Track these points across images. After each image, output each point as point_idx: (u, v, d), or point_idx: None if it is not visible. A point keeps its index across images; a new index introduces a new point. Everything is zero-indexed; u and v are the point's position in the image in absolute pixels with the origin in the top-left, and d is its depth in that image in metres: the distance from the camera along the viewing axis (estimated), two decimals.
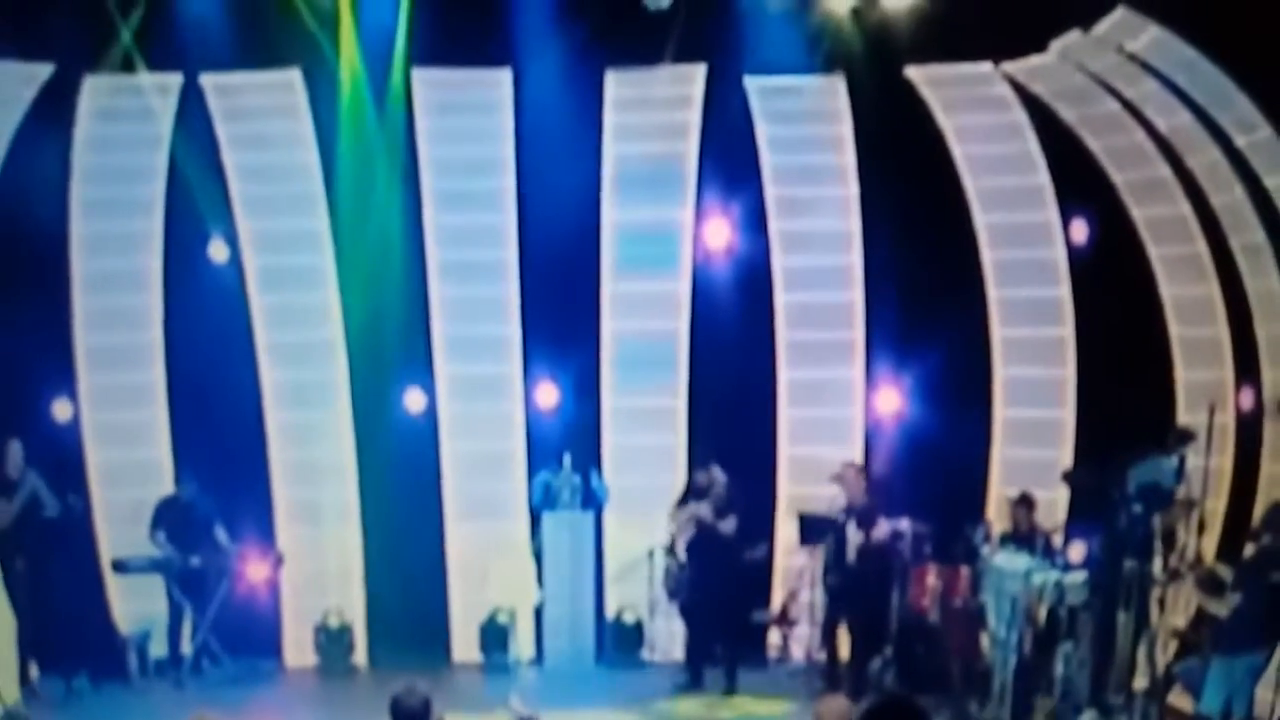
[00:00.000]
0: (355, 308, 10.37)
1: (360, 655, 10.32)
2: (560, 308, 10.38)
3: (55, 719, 8.56)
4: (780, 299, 10.44)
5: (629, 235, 10.47)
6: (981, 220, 10.21)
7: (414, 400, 10.54)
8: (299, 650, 10.31)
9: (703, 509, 9.39)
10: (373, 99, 10.18)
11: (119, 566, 10.00)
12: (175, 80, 10.09)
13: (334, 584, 10.34)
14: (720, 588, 9.40)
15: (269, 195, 10.35)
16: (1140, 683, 8.17)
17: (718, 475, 9.44)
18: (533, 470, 10.34)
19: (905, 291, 10.16)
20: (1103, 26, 9.04)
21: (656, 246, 10.45)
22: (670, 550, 9.66)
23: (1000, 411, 10.17)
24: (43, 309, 10.09)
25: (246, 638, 10.02)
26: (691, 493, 9.61)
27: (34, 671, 9.37)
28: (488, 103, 10.26)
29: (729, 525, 9.37)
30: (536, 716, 5.95)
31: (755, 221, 10.47)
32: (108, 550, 10.11)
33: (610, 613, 10.29)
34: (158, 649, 9.97)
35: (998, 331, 10.21)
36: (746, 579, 9.80)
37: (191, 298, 10.32)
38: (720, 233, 10.50)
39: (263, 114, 10.23)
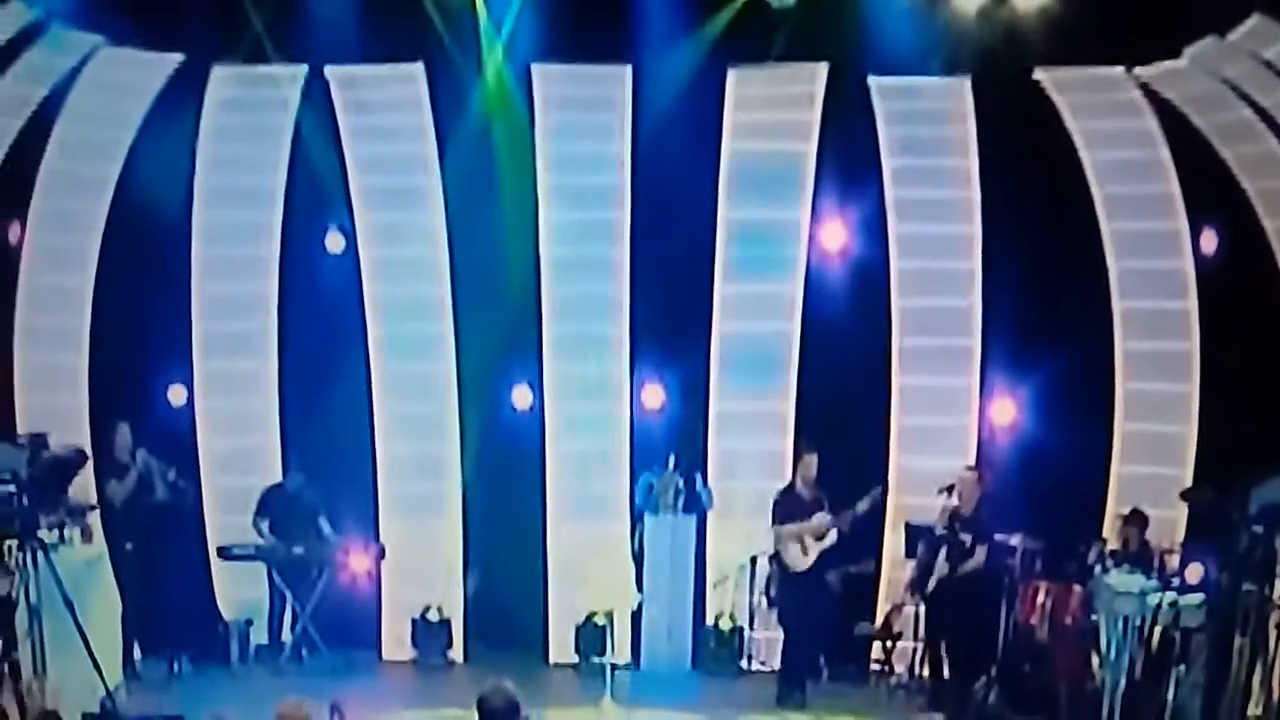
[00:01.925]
0: (467, 302, 11.28)
1: (457, 651, 11.20)
2: (671, 307, 11.18)
3: (156, 700, 9.22)
4: (896, 303, 11.11)
5: (744, 235, 11.23)
6: (1108, 228, 10.80)
7: (521, 397, 11.47)
8: (396, 643, 11.22)
9: (829, 529, 9.91)
10: (493, 94, 11.08)
11: (223, 553, 11.00)
12: (301, 72, 11.12)
13: (434, 579, 11.19)
14: (823, 598, 10.06)
15: (387, 187, 11.34)
16: (1254, 710, 8.53)
17: (812, 465, 10.01)
18: (637, 472, 11.12)
19: (1026, 299, 10.75)
20: (1238, 33, 9.64)
21: (771, 248, 11.20)
22: (773, 558, 10.28)
23: (1120, 426, 10.72)
24: (163, 295, 11.24)
25: (345, 629, 10.96)
26: (792, 500, 10.10)
27: (137, 653, 10.19)
28: (607, 99, 11.08)
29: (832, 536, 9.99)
30: None
31: (873, 224, 11.18)
32: (214, 536, 11.13)
33: (709, 619, 11.02)
34: (259, 636, 10.93)
35: (1120, 343, 10.78)
36: (850, 590, 10.47)
37: (307, 288, 11.37)
38: (837, 235, 11.24)
39: (385, 107, 11.23)
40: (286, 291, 11.41)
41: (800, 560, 10.04)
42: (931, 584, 9.91)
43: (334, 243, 11.52)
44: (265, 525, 10.90)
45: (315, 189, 11.41)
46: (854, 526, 10.08)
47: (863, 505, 10.05)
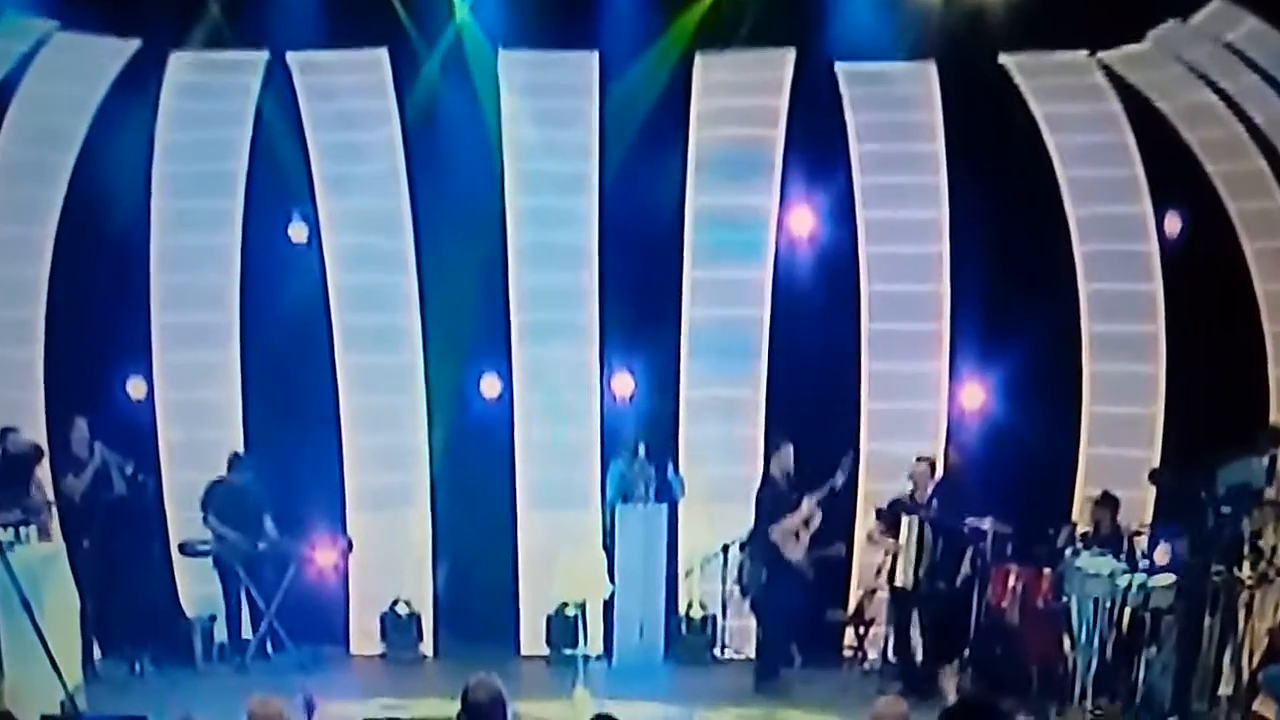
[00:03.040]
0: (433, 291, 11.48)
1: (427, 644, 11.40)
2: (640, 295, 11.45)
3: (117, 701, 9.22)
4: (865, 289, 11.42)
5: (712, 222, 11.49)
6: (1073, 212, 11.15)
7: (490, 386, 11.68)
8: (365, 638, 11.42)
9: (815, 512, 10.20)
10: (458, 80, 11.29)
11: (185, 549, 11.10)
12: (261, 57, 11.25)
13: (403, 571, 11.39)
14: (796, 584, 10.29)
15: (351, 175, 11.52)
16: (1225, 689, 8.91)
17: (788, 456, 10.29)
18: (607, 461, 11.36)
19: (993, 283, 11.10)
20: (1200, 16, 9.99)
21: (740, 234, 11.47)
22: (745, 545, 10.54)
23: (1088, 408, 11.09)
24: (121, 285, 11.35)
25: (312, 624, 11.12)
26: (776, 495, 10.35)
27: (97, 652, 10.27)
28: (574, 85, 11.30)
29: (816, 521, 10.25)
30: None
31: (841, 210, 11.48)
32: (175, 532, 11.23)
33: (682, 608, 11.29)
34: (222, 633, 11.03)
35: (1087, 326, 11.14)
36: (822, 576, 10.71)
37: (270, 278, 11.51)
38: (805, 220, 11.53)
39: (348, 93, 11.39)
40: (248, 281, 11.53)
41: (796, 550, 10.30)
42: (901, 571, 10.21)
43: (297, 232, 11.65)
44: (214, 520, 10.96)
45: (277, 177, 11.55)
46: (826, 508, 10.36)
47: (839, 478, 10.32)
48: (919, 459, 10.36)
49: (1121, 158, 11.07)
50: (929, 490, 10.21)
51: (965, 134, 11.17)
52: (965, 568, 10.12)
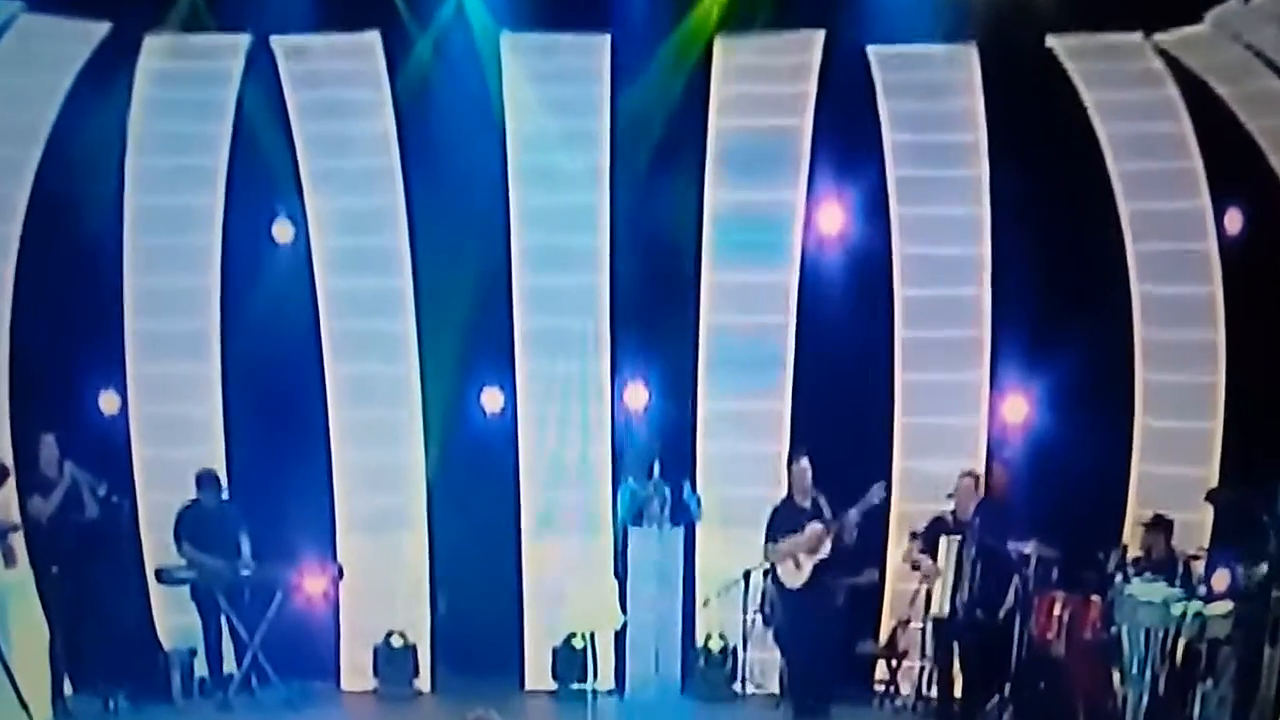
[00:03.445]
0: (430, 296, 11.77)
1: (424, 679, 11.71)
2: (654, 300, 11.74)
3: None
4: (898, 292, 11.67)
5: (733, 220, 11.76)
6: (1126, 208, 11.40)
7: (491, 400, 12.00)
8: (357, 673, 11.75)
9: (822, 540, 10.44)
10: (458, 66, 11.54)
11: (163, 576, 11.37)
12: (243, 41, 11.51)
13: (398, 601, 11.71)
14: (822, 614, 10.58)
15: (341, 170, 11.81)
16: None
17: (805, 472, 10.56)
18: (619, 480, 11.68)
19: (1038, 286, 11.33)
20: None
21: (763, 233, 11.73)
22: (769, 572, 10.82)
23: (1141, 422, 11.34)
24: (92, 290, 11.61)
25: (300, 657, 11.43)
26: (788, 513, 10.65)
27: (68, 687, 10.57)
28: (583, 71, 11.57)
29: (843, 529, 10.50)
30: None
31: (874, 206, 11.73)
32: (152, 558, 11.52)
33: (699, 639, 11.57)
34: (203, 667, 11.33)
35: (1140, 332, 11.40)
36: (852, 605, 11.07)
37: (253, 281, 11.83)
38: (834, 218, 11.79)
39: (338, 80, 11.66)
40: (230, 285, 11.82)
41: (794, 577, 10.60)
42: (938, 599, 10.47)
43: (282, 231, 11.94)
44: (188, 548, 11.20)
45: (260, 171, 11.82)
46: (855, 532, 10.62)
47: (857, 510, 10.58)
48: (964, 474, 10.60)
49: (1178, 149, 11.31)
50: (971, 509, 10.45)
51: (1009, 123, 11.40)
52: (1008, 596, 10.38)
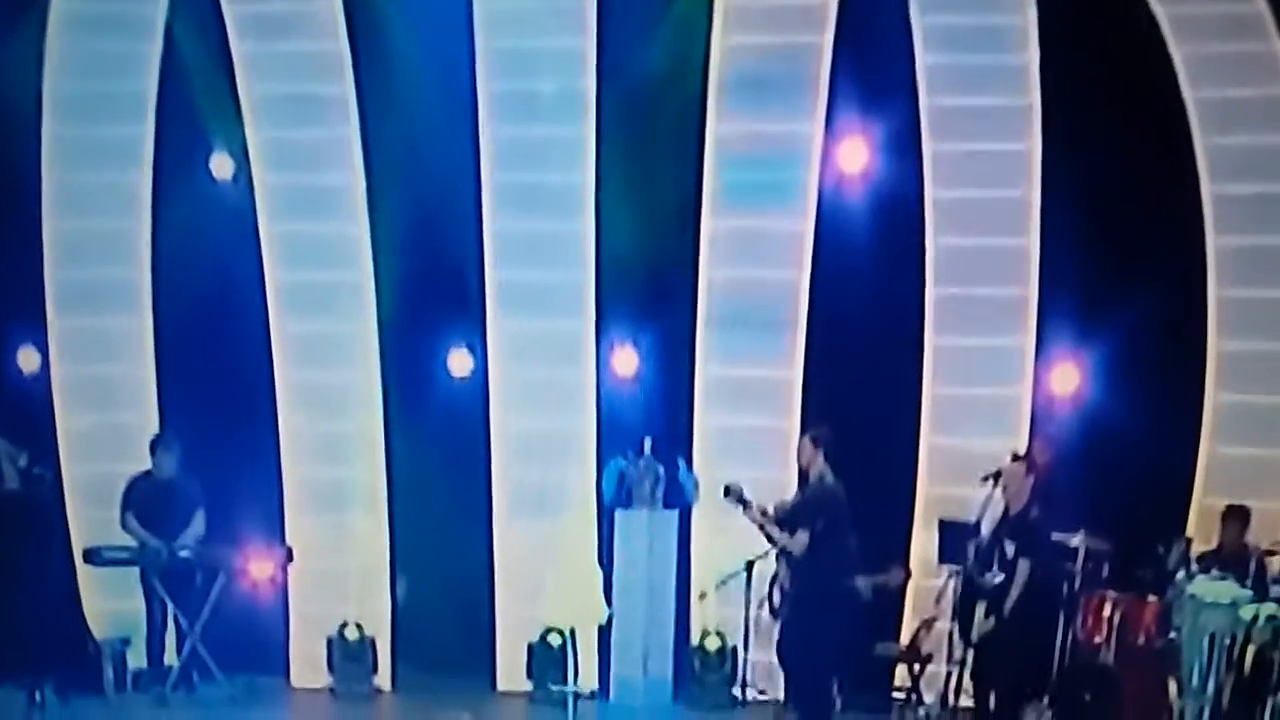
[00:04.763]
0: (390, 242, 11.67)
1: (383, 676, 11.72)
2: (647, 249, 11.56)
3: None
4: (931, 242, 11.45)
5: (738, 156, 11.56)
6: (1202, 143, 11.09)
7: (459, 363, 11.89)
8: (309, 667, 11.76)
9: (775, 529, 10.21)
10: None
11: (92, 556, 11.45)
12: None
13: (353, 588, 11.67)
14: (829, 612, 10.24)
15: (286, 96, 11.71)
16: None
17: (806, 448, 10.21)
18: (605, 456, 11.57)
19: (1095, 237, 11.07)
20: None
21: (773, 171, 11.54)
22: (780, 557, 10.50)
23: (1212, 397, 11.08)
24: (6, 234, 11.61)
25: (245, 649, 11.48)
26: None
27: None
28: None
29: (799, 541, 10.10)
30: None
31: (903, 141, 11.47)
32: (80, 536, 11.62)
33: (695, 638, 11.49)
34: (137, 658, 11.44)
35: (1215, 292, 11.11)
36: (868, 602, 10.79)
37: (188, 224, 11.75)
38: (857, 154, 11.55)
39: None
40: (162, 228, 11.79)
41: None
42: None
43: (220, 166, 11.90)
44: (134, 523, 11.32)
45: (195, 98, 11.77)
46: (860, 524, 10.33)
47: (867, 581, 10.45)
48: (1015, 457, 10.28)
49: (1267, 73, 10.99)
50: (1025, 498, 10.08)
51: (1064, 42, 11.14)
52: (1051, 594, 10.20)
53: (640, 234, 11.60)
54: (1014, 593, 9.79)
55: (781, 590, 10.64)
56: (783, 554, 10.46)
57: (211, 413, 11.67)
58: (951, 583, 10.42)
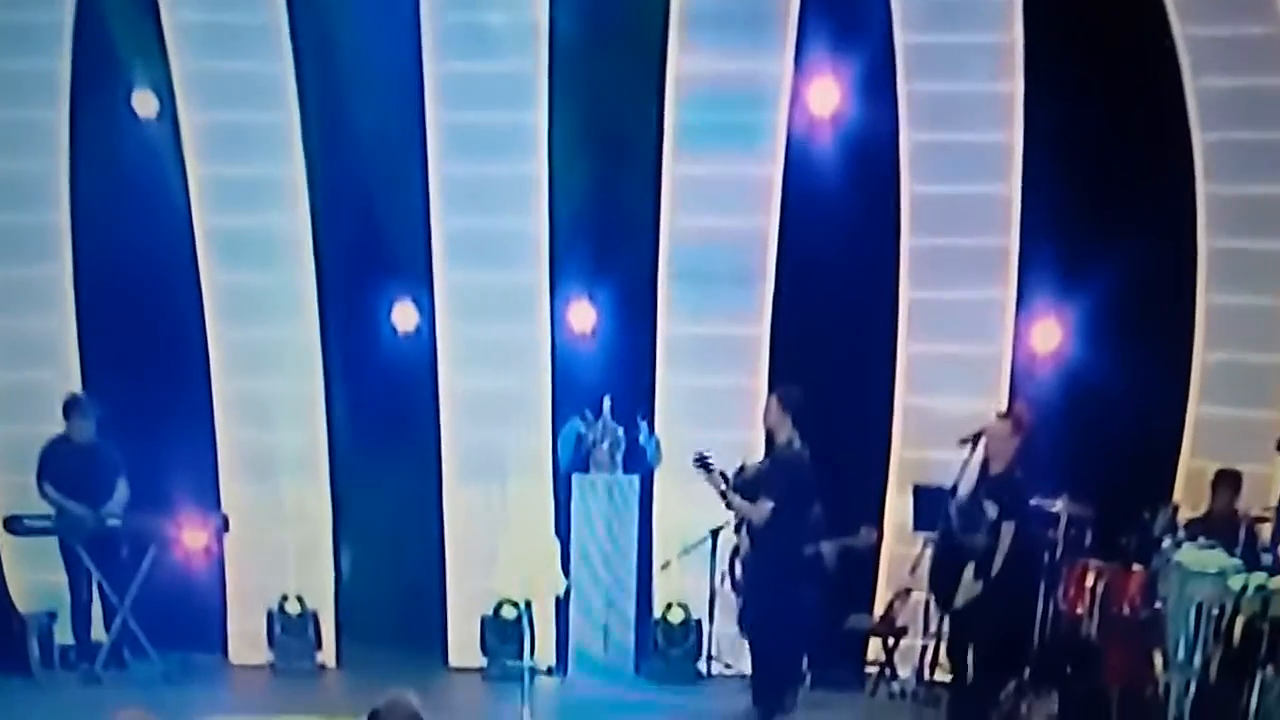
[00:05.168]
0: (328, 186, 11.67)
1: (327, 652, 11.87)
2: (604, 195, 11.62)
3: None
4: (907, 189, 11.57)
5: (701, 95, 11.59)
6: (1192, 85, 11.20)
7: (404, 316, 11.93)
8: (247, 643, 11.88)
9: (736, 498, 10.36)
10: None
11: (13, 525, 11.46)
12: None
13: (294, 559, 11.79)
14: (794, 583, 10.46)
15: (213, 25, 11.64)
16: None
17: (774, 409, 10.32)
18: (560, 418, 11.67)
19: (1080, 184, 11.17)
20: None
21: (739, 112, 11.59)
22: (739, 526, 10.70)
23: (1201, 355, 11.27)
24: None
25: (179, 624, 11.56)
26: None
27: None
28: None
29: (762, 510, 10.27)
30: None
31: (877, 80, 11.53)
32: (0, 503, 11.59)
33: (658, 610, 11.67)
34: (64, 634, 11.48)
35: (1205, 242, 11.27)
36: (836, 571, 11.10)
37: (109, 165, 11.71)
38: (828, 95, 11.61)
39: None
40: (80, 171, 11.76)
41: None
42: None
43: (143, 103, 11.83)
44: (51, 490, 11.34)
45: (114, 28, 11.67)
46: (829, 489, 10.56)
47: (833, 545, 10.74)
48: (1000, 415, 10.35)
49: (1261, 12, 11.09)
50: (1008, 460, 10.09)
51: None
52: (1030, 562, 10.34)
53: (597, 179, 11.66)
54: (998, 557, 9.86)
55: (743, 564, 10.81)
56: (742, 524, 10.63)
57: (138, 370, 11.69)
58: (928, 550, 10.56)
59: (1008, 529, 9.89)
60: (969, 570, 9.88)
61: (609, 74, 11.61)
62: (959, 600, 9.95)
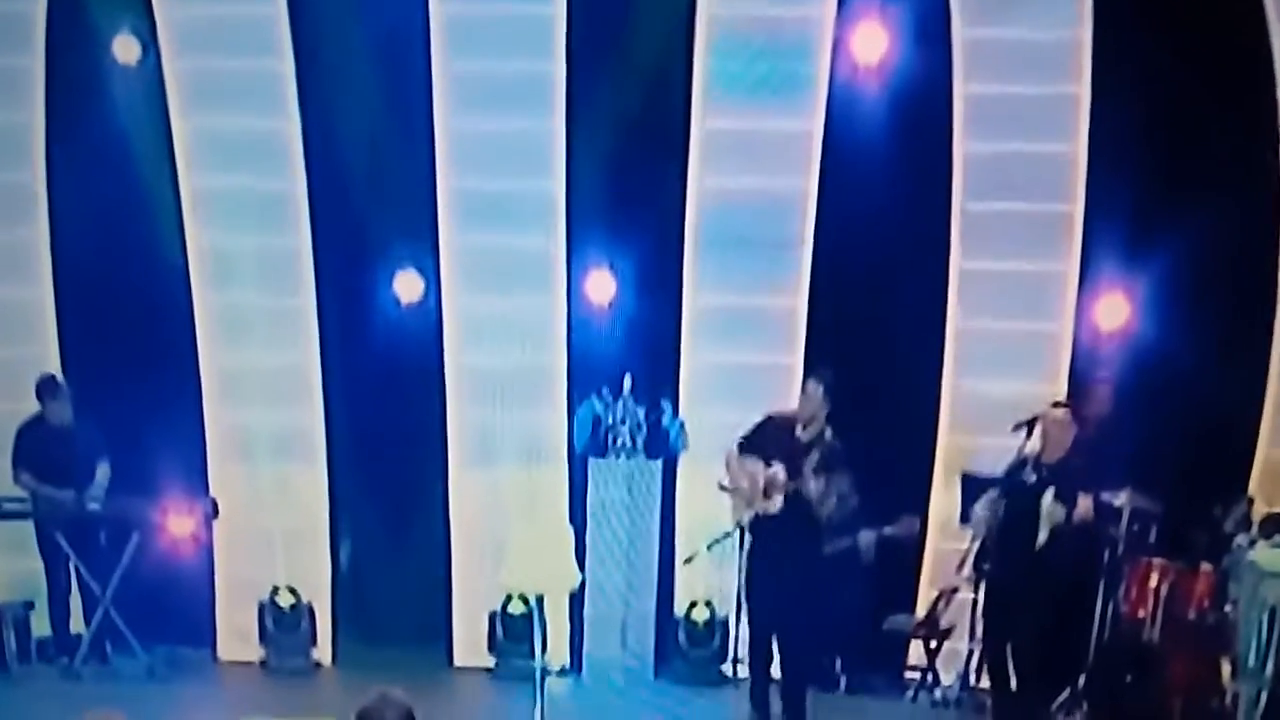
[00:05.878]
0: (326, 143, 11.75)
1: (323, 649, 12.04)
2: (625, 154, 11.67)
3: None
4: (960, 148, 11.59)
5: (733, 43, 11.65)
6: (1278, 36, 11.08)
7: (407, 286, 12.02)
8: (237, 638, 12.07)
9: (779, 473, 10.30)
10: None
11: None
12: None
13: (287, 548, 11.97)
14: (835, 576, 10.61)
15: None
16: None
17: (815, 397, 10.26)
18: (577, 397, 11.78)
19: (1152, 144, 11.16)
20: None
21: (776, 62, 11.63)
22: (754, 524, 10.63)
23: None
24: None
25: (165, 617, 11.77)
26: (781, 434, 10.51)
27: None
28: None
29: (819, 488, 10.22)
30: None
31: (929, 26, 11.52)
32: None
33: (680, 608, 11.79)
34: (42, 626, 11.69)
35: None
36: (873, 566, 11.19)
37: (88, 117, 11.84)
38: (874, 41, 11.62)
39: None
40: (57, 122, 11.88)
41: (740, 512, 10.47)
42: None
43: (125, 49, 11.90)
44: (26, 476, 11.52)
45: None
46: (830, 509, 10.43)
47: (872, 534, 10.81)
48: (1055, 403, 10.44)
49: None
50: (1063, 452, 10.13)
51: None
52: (1088, 561, 10.45)
53: (619, 135, 11.72)
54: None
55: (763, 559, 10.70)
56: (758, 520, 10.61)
57: (120, 343, 11.89)
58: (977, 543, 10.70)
59: (1071, 510, 9.87)
60: (1048, 496, 9.87)
61: (633, 18, 11.67)
62: (1042, 535, 9.92)
